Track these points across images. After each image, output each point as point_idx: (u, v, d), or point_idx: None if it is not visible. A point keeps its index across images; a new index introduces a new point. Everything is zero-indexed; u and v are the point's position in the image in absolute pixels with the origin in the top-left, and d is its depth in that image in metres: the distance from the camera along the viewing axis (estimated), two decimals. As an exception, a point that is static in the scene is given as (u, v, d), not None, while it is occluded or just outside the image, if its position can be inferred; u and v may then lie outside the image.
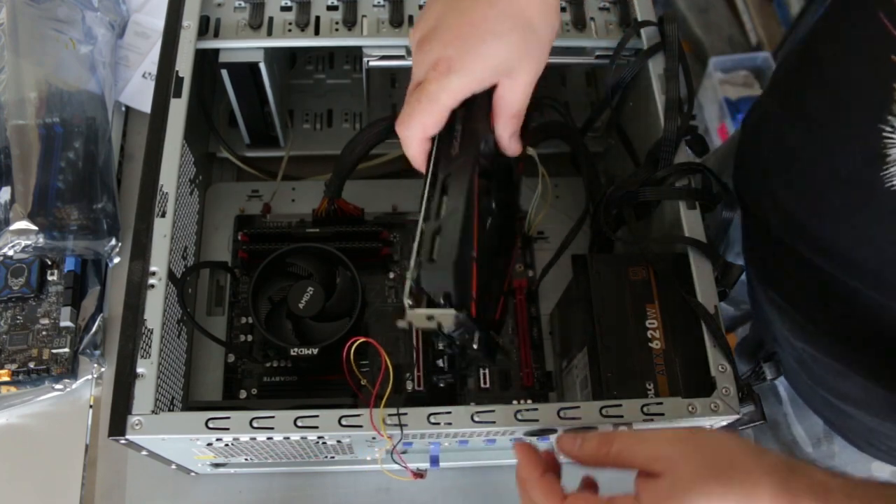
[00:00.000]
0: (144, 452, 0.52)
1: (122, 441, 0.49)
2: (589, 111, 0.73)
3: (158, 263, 0.54)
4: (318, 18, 0.66)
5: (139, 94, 0.80)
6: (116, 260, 0.71)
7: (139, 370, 0.50)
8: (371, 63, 0.65)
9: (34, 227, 0.64)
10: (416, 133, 0.49)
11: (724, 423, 0.53)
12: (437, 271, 0.45)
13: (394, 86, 0.78)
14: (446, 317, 0.44)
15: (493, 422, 0.50)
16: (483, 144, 0.50)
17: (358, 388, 0.57)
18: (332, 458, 0.59)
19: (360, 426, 0.49)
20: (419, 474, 0.55)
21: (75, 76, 0.72)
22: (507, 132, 0.51)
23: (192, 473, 0.63)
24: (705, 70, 1.78)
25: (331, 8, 0.66)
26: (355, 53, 0.78)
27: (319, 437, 0.50)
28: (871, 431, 0.62)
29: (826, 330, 0.59)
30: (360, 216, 0.68)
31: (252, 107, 0.70)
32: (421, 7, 0.66)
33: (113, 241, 0.70)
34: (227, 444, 0.51)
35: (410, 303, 0.45)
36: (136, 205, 0.56)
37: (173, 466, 0.59)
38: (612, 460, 0.44)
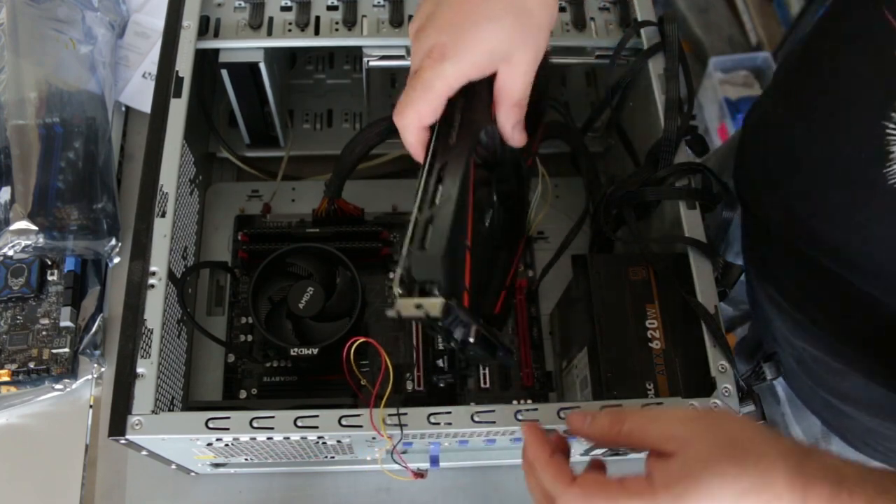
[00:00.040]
0: (144, 452, 0.52)
1: (122, 441, 0.49)
2: (589, 111, 0.73)
3: (158, 263, 0.54)
4: (318, 18, 0.66)
5: (139, 94, 0.80)
6: (116, 260, 0.71)
7: (139, 370, 0.50)
8: (371, 63, 0.65)
9: (34, 227, 0.64)
10: (412, 121, 0.48)
11: (724, 423, 0.52)
12: (427, 259, 0.43)
13: (394, 86, 0.78)
14: (434, 305, 0.42)
15: (493, 422, 0.50)
16: (484, 135, 0.49)
17: (358, 388, 0.57)
18: (332, 458, 0.59)
19: (360, 426, 0.49)
20: (419, 474, 0.55)
21: (75, 76, 0.72)
22: (509, 122, 0.50)
23: (192, 473, 0.63)
24: (705, 70, 1.78)
25: (331, 8, 0.66)
26: (355, 53, 0.78)
27: (319, 437, 0.50)
28: (869, 432, 0.62)
29: (826, 329, 0.58)
30: (360, 216, 0.68)
31: (252, 107, 0.70)
32: (421, 7, 0.66)
33: (113, 241, 0.70)
34: (227, 444, 0.51)
35: (400, 291, 0.43)
36: (136, 205, 0.56)
37: (173, 466, 0.59)
38: (623, 439, 0.43)
